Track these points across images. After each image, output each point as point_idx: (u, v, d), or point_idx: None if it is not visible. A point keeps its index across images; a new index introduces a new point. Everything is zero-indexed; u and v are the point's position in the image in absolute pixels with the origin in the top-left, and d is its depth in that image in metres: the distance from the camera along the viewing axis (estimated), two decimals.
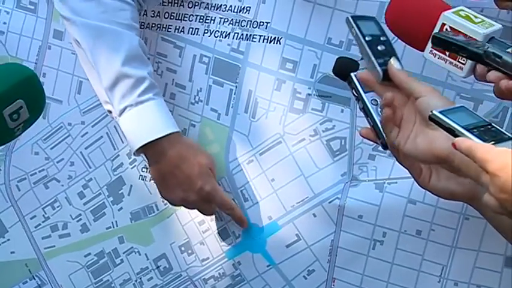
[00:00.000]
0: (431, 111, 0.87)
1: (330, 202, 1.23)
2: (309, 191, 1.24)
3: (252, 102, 1.26)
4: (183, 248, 1.35)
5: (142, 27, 1.31)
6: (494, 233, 1.13)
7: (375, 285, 1.23)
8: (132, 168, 1.37)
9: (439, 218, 1.19)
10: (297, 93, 1.23)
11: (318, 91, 1.22)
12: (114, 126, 1.36)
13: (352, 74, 0.97)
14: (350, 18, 0.96)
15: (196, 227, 1.34)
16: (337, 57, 1.05)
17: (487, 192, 0.79)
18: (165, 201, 1.33)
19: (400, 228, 1.21)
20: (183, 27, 1.30)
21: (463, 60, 0.92)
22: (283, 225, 1.26)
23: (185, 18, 1.30)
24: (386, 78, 0.94)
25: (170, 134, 1.22)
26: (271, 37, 1.23)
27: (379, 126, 0.96)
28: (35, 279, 1.43)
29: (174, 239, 1.36)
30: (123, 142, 1.37)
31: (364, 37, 0.95)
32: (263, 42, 1.24)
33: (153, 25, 1.33)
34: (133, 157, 1.35)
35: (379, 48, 0.95)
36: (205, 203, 1.24)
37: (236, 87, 1.27)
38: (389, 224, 1.21)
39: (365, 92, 0.96)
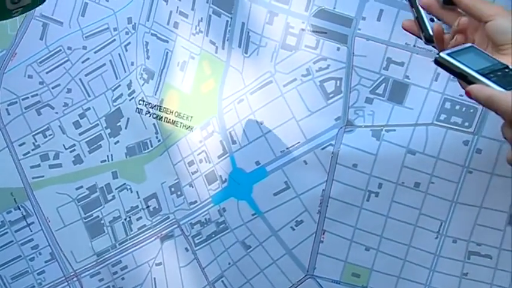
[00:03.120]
0: (437, 54, 0.79)
1: (322, 149, 1.13)
2: (300, 136, 1.14)
3: (244, 36, 1.16)
4: (173, 189, 1.28)
5: None
6: (499, 188, 1.05)
7: (367, 239, 1.14)
8: (130, 100, 1.29)
9: (440, 171, 1.09)
10: (290, 28, 1.12)
11: (313, 26, 1.11)
12: (119, 54, 1.28)
13: None
14: None
15: (186, 167, 1.26)
16: None
17: None
18: (159, 138, 1.26)
19: (398, 180, 1.11)
20: None
21: None
22: (271, 171, 1.17)
23: None
24: (450, 1, 0.85)
25: None
26: None
27: (424, 18, 0.87)
28: (20, 209, 1.36)
29: (165, 178, 1.29)
30: (125, 71, 1.28)
31: None
32: None
33: None
34: (132, 88, 1.28)
35: None
36: None
37: (231, 18, 1.17)
38: (385, 174, 1.11)
39: None
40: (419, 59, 1.08)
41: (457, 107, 1.06)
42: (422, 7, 0.88)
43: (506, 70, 0.76)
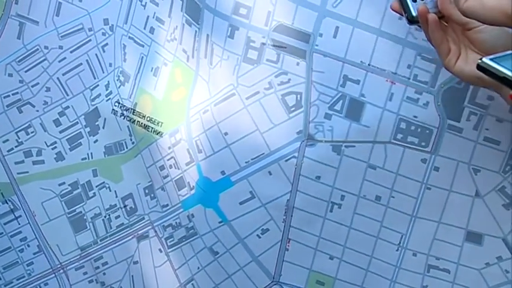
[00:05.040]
0: (480, 59, 0.75)
1: (286, 160, 1.14)
2: (264, 147, 1.15)
3: (209, 48, 1.16)
4: (147, 191, 1.31)
5: None
6: (457, 205, 1.06)
7: (331, 248, 1.16)
8: (107, 100, 1.30)
9: (399, 186, 1.10)
10: (251, 42, 1.12)
11: (273, 40, 1.11)
12: (96, 54, 1.29)
13: None
14: None
15: (157, 171, 1.28)
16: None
17: None
18: (133, 140, 1.27)
19: (359, 193, 1.12)
20: None
21: None
22: (237, 181, 1.18)
23: None
24: None
25: None
26: None
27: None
28: (7, 203, 1.40)
29: (139, 180, 1.31)
30: (103, 72, 1.29)
31: None
32: None
33: None
34: (110, 89, 1.29)
35: None
36: None
37: (199, 29, 1.17)
38: (348, 187, 1.12)
39: None
40: (373, 77, 1.07)
41: (413, 128, 1.06)
42: None
43: None
